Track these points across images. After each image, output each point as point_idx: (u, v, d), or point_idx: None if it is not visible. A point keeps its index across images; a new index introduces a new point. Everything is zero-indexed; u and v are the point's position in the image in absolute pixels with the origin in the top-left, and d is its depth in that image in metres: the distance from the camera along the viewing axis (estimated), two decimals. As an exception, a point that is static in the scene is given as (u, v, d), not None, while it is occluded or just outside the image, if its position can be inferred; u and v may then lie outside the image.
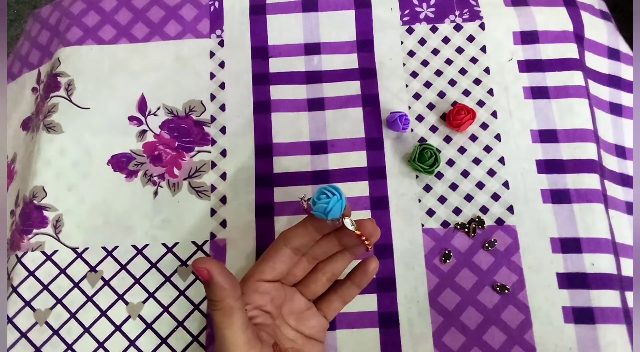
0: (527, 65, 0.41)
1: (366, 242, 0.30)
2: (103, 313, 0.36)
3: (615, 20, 0.45)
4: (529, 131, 0.39)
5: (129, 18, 0.44)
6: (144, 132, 0.41)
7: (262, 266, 0.31)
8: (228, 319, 0.28)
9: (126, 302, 0.37)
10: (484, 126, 0.40)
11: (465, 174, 0.39)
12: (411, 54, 0.42)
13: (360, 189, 0.38)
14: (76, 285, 0.37)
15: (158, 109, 0.41)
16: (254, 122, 0.40)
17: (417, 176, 0.39)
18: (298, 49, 0.42)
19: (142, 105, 0.41)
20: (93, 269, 0.37)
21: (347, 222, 0.29)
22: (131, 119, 0.41)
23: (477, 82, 0.41)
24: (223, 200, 0.39)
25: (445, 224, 0.37)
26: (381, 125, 0.40)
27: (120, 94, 0.41)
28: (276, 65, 0.42)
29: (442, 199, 0.38)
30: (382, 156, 0.39)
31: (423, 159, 0.37)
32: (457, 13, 0.43)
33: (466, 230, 0.37)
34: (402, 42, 0.42)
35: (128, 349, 0.36)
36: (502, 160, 0.39)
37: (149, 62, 0.42)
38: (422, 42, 0.42)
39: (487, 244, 0.36)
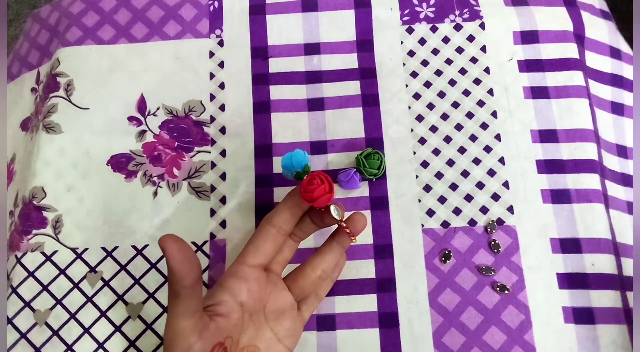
0: (527, 65, 0.41)
1: (347, 230, 0.30)
2: (103, 314, 0.36)
3: (615, 20, 0.45)
4: (529, 131, 0.39)
5: (129, 18, 0.44)
6: (143, 132, 0.40)
7: (246, 249, 0.31)
8: (171, 301, 0.27)
9: (126, 303, 0.37)
10: (484, 126, 0.40)
11: (465, 174, 0.38)
12: (411, 53, 0.42)
13: (360, 189, 0.38)
14: (76, 285, 0.37)
15: (157, 109, 0.41)
16: (253, 122, 0.40)
17: (417, 176, 0.38)
18: (298, 49, 0.42)
19: (141, 105, 0.41)
20: (93, 269, 0.37)
21: (332, 209, 0.29)
22: (131, 119, 0.41)
23: (477, 82, 0.41)
24: (223, 200, 0.39)
25: (445, 224, 0.37)
26: (381, 125, 0.40)
27: (120, 94, 0.41)
28: (276, 65, 0.42)
29: (442, 199, 0.38)
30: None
31: (370, 159, 0.37)
32: (457, 13, 0.43)
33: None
34: (402, 42, 0.42)
35: (128, 350, 0.36)
36: (502, 160, 0.39)
37: (148, 62, 0.42)
38: (422, 41, 0.42)
39: (492, 245, 0.36)
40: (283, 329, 0.31)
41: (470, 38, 0.42)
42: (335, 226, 0.32)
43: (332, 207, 0.30)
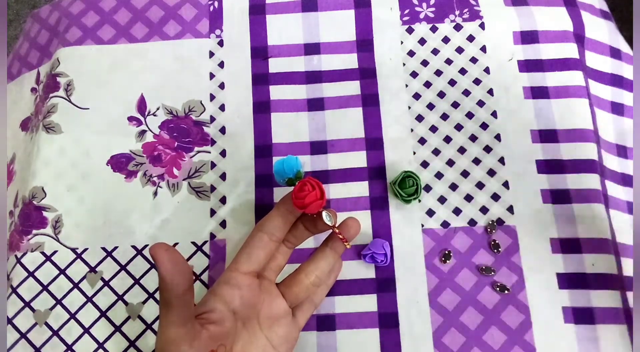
0: (527, 65, 0.41)
1: (340, 236, 0.30)
2: (103, 314, 0.36)
3: (615, 20, 0.45)
4: (529, 131, 0.39)
5: (128, 18, 0.44)
6: (143, 132, 0.40)
7: (238, 256, 0.31)
8: (163, 310, 0.27)
9: (126, 303, 0.37)
10: (484, 126, 0.40)
11: (465, 174, 0.38)
12: (411, 53, 0.42)
13: (360, 189, 0.38)
14: (76, 286, 0.37)
15: (157, 109, 0.41)
16: (253, 122, 0.40)
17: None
18: (298, 49, 0.42)
19: (141, 105, 0.41)
20: (93, 269, 0.37)
21: (325, 215, 0.29)
22: (130, 119, 0.41)
23: (477, 82, 0.41)
24: (223, 200, 0.39)
25: (445, 224, 0.37)
26: (381, 125, 0.40)
27: (120, 94, 0.41)
28: (276, 65, 0.42)
29: (442, 199, 0.38)
30: (382, 156, 0.39)
31: (404, 187, 0.37)
32: (457, 13, 0.43)
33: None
34: (402, 42, 0.42)
35: (128, 350, 0.36)
36: (502, 160, 0.39)
37: (148, 62, 0.42)
38: (422, 42, 0.42)
39: (492, 245, 0.36)
40: (277, 336, 0.31)
41: (470, 38, 0.42)
42: (329, 232, 0.32)
43: (324, 214, 0.29)
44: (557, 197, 0.37)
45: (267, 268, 0.32)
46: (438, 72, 0.41)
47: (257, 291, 0.31)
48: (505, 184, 0.38)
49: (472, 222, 0.37)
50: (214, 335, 0.28)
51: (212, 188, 0.39)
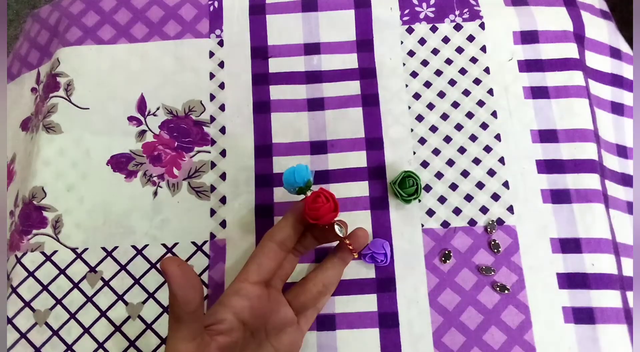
0: (527, 65, 0.41)
1: (350, 247, 0.30)
2: (103, 314, 0.36)
3: (615, 20, 0.45)
4: (529, 131, 0.39)
5: (129, 18, 0.44)
6: (143, 132, 0.40)
7: (248, 266, 0.31)
8: (173, 325, 0.26)
9: (126, 303, 0.37)
10: (484, 126, 0.40)
11: (465, 174, 0.38)
12: (411, 53, 0.42)
13: (360, 189, 0.38)
14: (76, 285, 0.37)
15: (157, 109, 0.41)
16: (253, 122, 0.40)
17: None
18: (298, 49, 0.42)
19: (141, 105, 0.41)
20: (93, 269, 0.37)
21: (337, 227, 0.29)
22: (130, 119, 0.41)
23: (477, 82, 0.41)
24: (223, 200, 0.39)
25: (445, 224, 0.37)
26: (381, 125, 0.40)
27: (120, 94, 0.41)
28: (276, 65, 0.42)
29: (442, 199, 0.38)
30: (382, 156, 0.39)
31: (404, 187, 0.37)
32: (457, 13, 0.43)
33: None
34: (401, 42, 0.42)
35: (128, 350, 0.36)
36: (502, 160, 0.39)
37: (148, 62, 0.42)
38: (422, 41, 0.42)
39: (492, 245, 0.36)
40: (283, 345, 0.31)
41: (470, 38, 0.42)
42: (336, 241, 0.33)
43: (335, 225, 0.30)
44: (557, 197, 0.37)
45: (274, 277, 0.32)
46: (438, 72, 0.41)
47: (267, 302, 0.31)
48: (505, 184, 0.38)
49: (472, 222, 0.37)
50: (223, 346, 0.28)
51: (212, 188, 0.39)
